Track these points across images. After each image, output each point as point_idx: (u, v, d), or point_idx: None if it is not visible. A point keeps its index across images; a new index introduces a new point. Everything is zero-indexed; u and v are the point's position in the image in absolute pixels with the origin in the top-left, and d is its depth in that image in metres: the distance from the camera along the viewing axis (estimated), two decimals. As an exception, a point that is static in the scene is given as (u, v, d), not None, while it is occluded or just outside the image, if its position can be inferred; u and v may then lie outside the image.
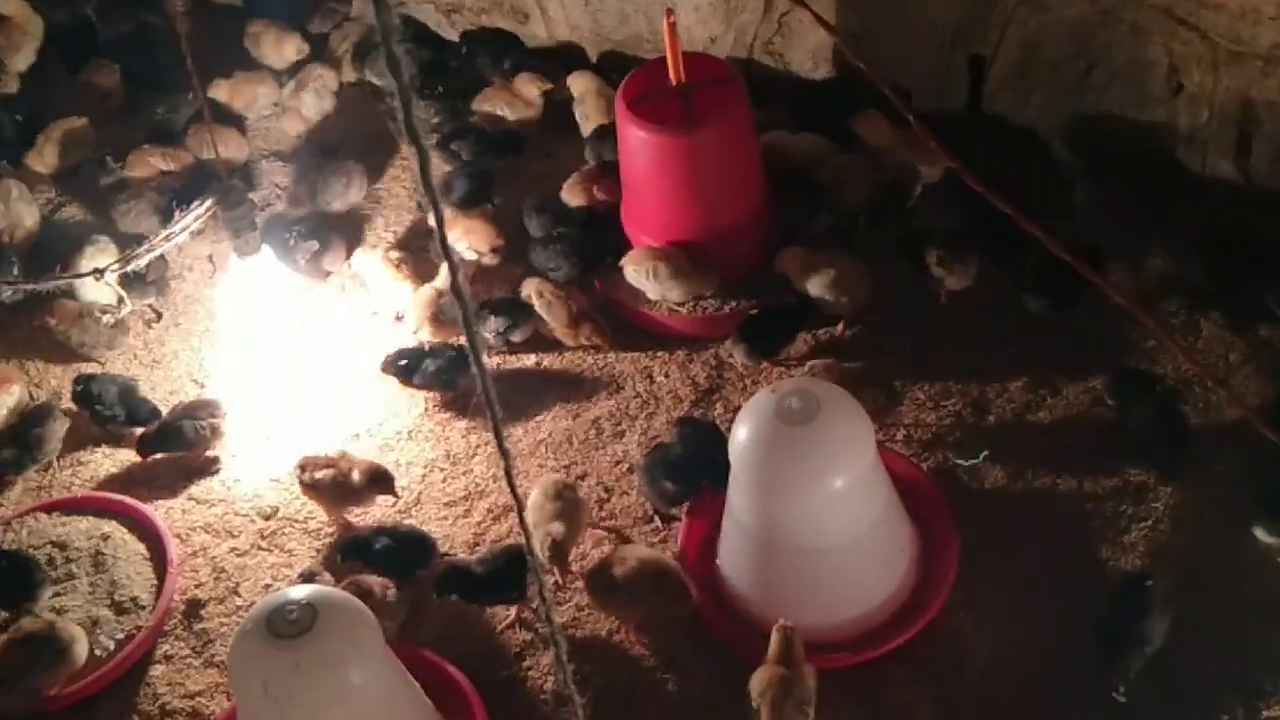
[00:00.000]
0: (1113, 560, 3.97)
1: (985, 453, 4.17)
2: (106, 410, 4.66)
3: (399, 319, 4.91)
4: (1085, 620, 3.82)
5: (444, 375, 4.63)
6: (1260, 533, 3.90)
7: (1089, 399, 4.33)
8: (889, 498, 3.90)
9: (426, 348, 4.71)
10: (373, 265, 5.03)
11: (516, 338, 4.78)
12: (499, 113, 5.48)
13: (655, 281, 4.64)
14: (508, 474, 1.85)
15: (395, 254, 5.05)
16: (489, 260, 5.00)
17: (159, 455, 4.62)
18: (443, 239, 1.67)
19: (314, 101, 5.75)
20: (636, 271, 4.68)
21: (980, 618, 3.90)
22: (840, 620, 3.87)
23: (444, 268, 1.65)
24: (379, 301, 5.04)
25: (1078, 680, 3.73)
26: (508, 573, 3.97)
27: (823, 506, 3.74)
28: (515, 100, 5.48)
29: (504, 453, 1.82)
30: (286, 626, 3.34)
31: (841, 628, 3.87)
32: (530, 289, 4.77)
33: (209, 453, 4.63)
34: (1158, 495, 4.09)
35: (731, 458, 3.81)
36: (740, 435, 3.77)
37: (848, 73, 5.04)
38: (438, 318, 4.75)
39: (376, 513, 4.39)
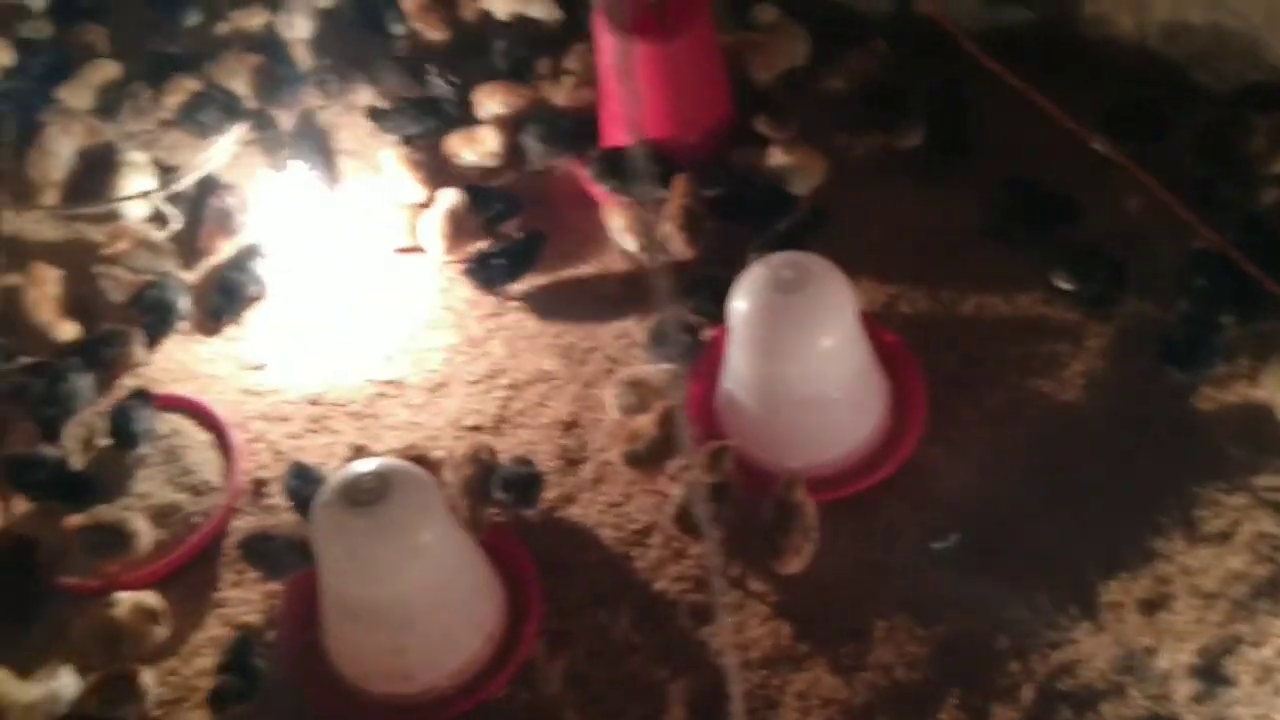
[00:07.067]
0: (1055, 394, 3.96)
1: (956, 536, 3.71)
2: None
3: None
4: (1035, 444, 3.86)
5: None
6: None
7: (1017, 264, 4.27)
8: (869, 354, 3.85)
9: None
10: (388, 161, 4.74)
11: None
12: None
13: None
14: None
15: (406, 151, 4.77)
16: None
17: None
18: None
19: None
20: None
21: (948, 451, 3.87)
22: (831, 458, 3.83)
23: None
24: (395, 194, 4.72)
25: (1035, 492, 3.77)
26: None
27: (814, 363, 3.68)
28: None
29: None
30: (363, 495, 3.26)
31: (833, 464, 3.83)
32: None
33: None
34: (1089, 334, 4.07)
35: (731, 324, 3.73)
36: (740, 305, 3.69)
37: None
38: (454, 234, 4.50)
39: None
